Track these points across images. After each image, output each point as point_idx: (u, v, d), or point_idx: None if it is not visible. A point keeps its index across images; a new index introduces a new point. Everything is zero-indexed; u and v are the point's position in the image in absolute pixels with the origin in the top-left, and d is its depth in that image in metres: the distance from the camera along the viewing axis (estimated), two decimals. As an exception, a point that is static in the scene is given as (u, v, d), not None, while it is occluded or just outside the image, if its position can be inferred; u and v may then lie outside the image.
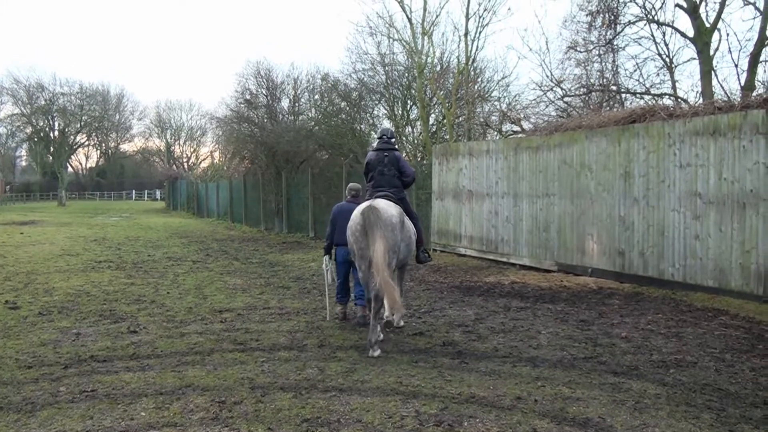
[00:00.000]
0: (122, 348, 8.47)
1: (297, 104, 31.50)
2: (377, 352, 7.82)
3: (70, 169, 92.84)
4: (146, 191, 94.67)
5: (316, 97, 31.26)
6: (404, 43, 25.76)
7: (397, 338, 8.71)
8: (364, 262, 8.42)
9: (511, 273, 14.69)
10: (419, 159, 25.70)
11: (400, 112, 28.18)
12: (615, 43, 21.58)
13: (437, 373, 7.03)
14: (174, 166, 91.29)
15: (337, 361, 7.56)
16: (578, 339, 8.58)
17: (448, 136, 24.83)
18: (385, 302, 8.11)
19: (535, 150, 15.19)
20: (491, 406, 6.02)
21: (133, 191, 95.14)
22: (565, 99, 22.86)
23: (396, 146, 9.66)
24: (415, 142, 27.50)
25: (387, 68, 27.54)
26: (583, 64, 22.30)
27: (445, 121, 25.32)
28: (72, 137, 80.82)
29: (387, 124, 27.47)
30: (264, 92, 31.13)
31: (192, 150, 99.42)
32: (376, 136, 10.33)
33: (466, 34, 24.06)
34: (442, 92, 25.39)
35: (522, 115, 22.96)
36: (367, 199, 8.80)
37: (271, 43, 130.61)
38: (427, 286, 13.06)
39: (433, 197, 18.97)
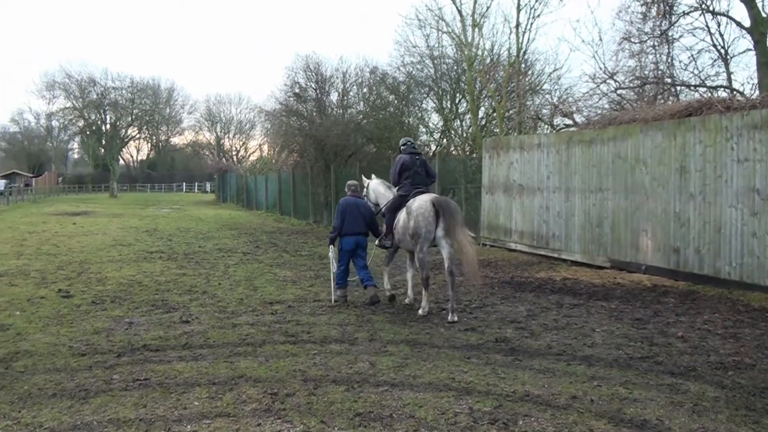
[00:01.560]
0: (175, 338, 8.57)
1: (345, 98, 31.55)
2: (455, 317, 9.38)
3: (121, 161, 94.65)
4: (196, 183, 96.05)
5: (365, 90, 31.28)
6: (454, 36, 25.58)
7: (448, 333, 8.62)
8: (427, 243, 9.83)
9: (563, 269, 14.47)
10: (468, 152, 25.50)
11: (448, 105, 28.02)
12: (669, 34, 21.10)
13: (490, 370, 6.93)
14: (223, 159, 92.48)
15: (389, 356, 7.51)
16: (633, 338, 8.38)
17: (498, 130, 24.60)
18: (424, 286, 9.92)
19: (588, 144, 14.92)
20: (546, 404, 5.91)
21: (184, 183, 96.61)
22: (619, 91, 22.44)
23: (420, 152, 11.23)
24: (464, 135, 27.32)
25: (436, 61, 27.39)
26: (637, 56, 21.84)
27: (494, 114, 25.08)
28: (123, 130, 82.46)
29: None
30: (313, 86, 31.25)
31: (241, 143, 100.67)
32: (400, 143, 11.25)
33: (517, 26, 23.81)
34: (492, 85, 25.13)
35: (574, 108, 22.58)
36: (402, 194, 10.47)
37: (320, 37, 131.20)
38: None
39: (483, 191, 18.80)
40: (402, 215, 10.34)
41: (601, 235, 14.42)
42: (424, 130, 29.65)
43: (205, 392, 6.34)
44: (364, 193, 11.94)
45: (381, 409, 5.81)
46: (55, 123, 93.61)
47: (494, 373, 6.81)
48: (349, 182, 11.78)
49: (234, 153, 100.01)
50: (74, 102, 79.02)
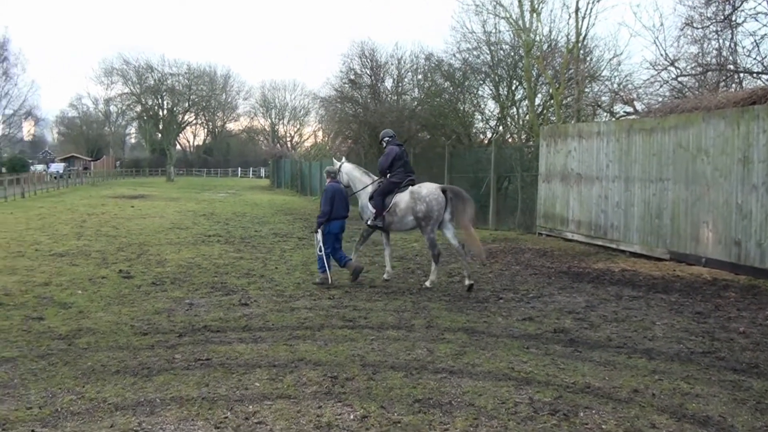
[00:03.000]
0: (234, 320, 8.70)
1: (400, 84, 31.49)
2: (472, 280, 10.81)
3: (178, 146, 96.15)
4: (251, 169, 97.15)
5: (419, 77, 31.14)
6: (511, 21, 25.23)
7: (506, 322, 8.56)
8: (436, 224, 11.20)
9: (621, 260, 14.22)
10: (524, 140, 25.20)
11: (505, 92, 27.69)
12: (733, 18, 20.42)
13: (550, 361, 6.86)
14: (278, 144, 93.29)
15: (446, 343, 7.49)
16: (694, 332, 8.20)
17: (555, 117, 24.25)
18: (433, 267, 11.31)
19: (649, 132, 14.58)
20: (607, 397, 5.83)
21: (239, 169, 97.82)
22: (680, 79, 21.85)
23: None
24: (521, 122, 26.99)
25: (492, 47, 27.07)
26: (699, 42, 21.17)
27: (552, 101, 24.72)
28: (180, 116, 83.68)
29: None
30: (368, 72, 31.27)
31: (295, 129, 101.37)
32: (386, 136, 12.07)
33: (576, 11, 23.34)
34: (550, 71, 24.76)
35: (634, 96, 22.09)
36: (395, 180, 11.42)
37: (375, 23, 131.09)
38: (533, 270, 12.81)
39: (540, 180, 18.58)
40: (404, 199, 11.30)
41: (661, 226, 14.11)
42: (479, 117, 29.38)
43: (266, 374, 6.42)
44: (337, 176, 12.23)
45: (440, 396, 5.79)
46: (113, 108, 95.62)
47: (554, 364, 6.74)
48: (329, 168, 12.23)
49: (288, 139, 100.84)
50: (132, 88, 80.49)
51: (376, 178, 11.98)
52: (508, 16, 25.23)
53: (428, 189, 11.26)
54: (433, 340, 7.65)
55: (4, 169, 70.90)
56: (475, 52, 27.69)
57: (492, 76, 27.66)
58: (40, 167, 79.90)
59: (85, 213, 27.12)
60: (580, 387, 6.07)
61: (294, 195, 46.00)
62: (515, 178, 20.69)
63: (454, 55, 28.26)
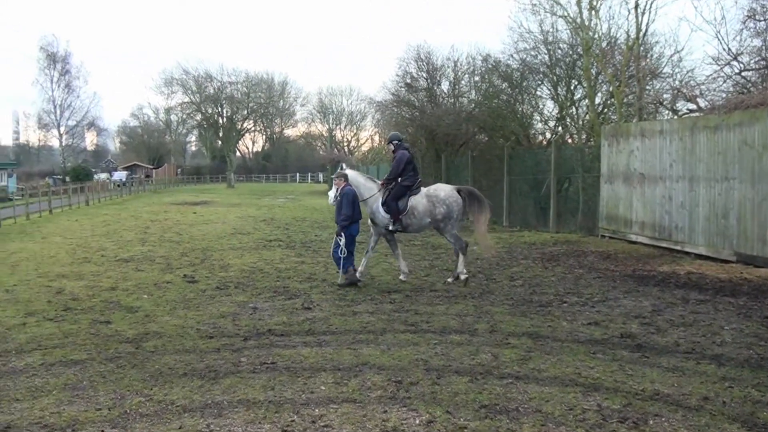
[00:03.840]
0: (298, 323, 8.77)
1: (457, 86, 31.29)
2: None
3: (237, 152, 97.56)
4: (309, 174, 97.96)
5: (477, 78, 30.88)
6: (569, 20, 24.85)
7: (571, 327, 8.42)
8: (456, 223, 11.95)
9: (686, 262, 13.85)
10: (585, 140, 24.81)
11: (563, 91, 27.29)
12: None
13: (617, 367, 6.72)
14: (335, 149, 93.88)
15: (511, 348, 7.41)
16: (764, 337, 7.93)
17: (616, 116, 23.79)
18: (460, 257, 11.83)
19: (713, 130, 14.17)
20: (677, 405, 5.68)
21: (297, 174, 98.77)
22: (744, 73, 21.18)
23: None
24: (581, 122, 26.56)
25: (550, 47, 26.71)
26: (762, 35, 20.49)
27: (613, 100, 24.26)
28: (239, 123, 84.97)
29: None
30: (424, 75, 31.16)
31: (352, 134, 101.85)
32: (395, 140, 12.35)
33: (636, 7, 22.85)
34: (610, 69, 24.31)
35: (697, 92, 21.51)
36: (407, 184, 11.72)
37: (431, 26, 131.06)
38: (597, 274, 12.57)
39: (602, 180, 18.24)
40: (421, 202, 11.77)
41: (727, 227, 13.68)
42: (538, 118, 29.01)
43: (331, 377, 6.45)
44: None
45: (507, 401, 5.73)
46: (173, 117, 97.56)
47: (621, 370, 6.61)
48: (341, 172, 12.18)
49: (345, 144, 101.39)
50: (192, 97, 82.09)
51: (379, 183, 12.21)
52: (565, 14, 24.86)
53: (446, 191, 11.93)
54: (498, 344, 7.57)
55: (68, 178, 72.98)
56: (532, 52, 27.35)
57: (550, 76, 27.29)
58: (103, 176, 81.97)
59: (149, 219, 27.71)
60: (649, 394, 5.93)
61: (352, 199, 46.09)
62: (576, 179, 20.37)
63: (512, 56, 27.98)
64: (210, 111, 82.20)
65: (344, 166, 12.83)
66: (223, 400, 5.93)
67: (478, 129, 29.01)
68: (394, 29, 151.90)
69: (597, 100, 25.29)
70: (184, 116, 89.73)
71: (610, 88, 24.11)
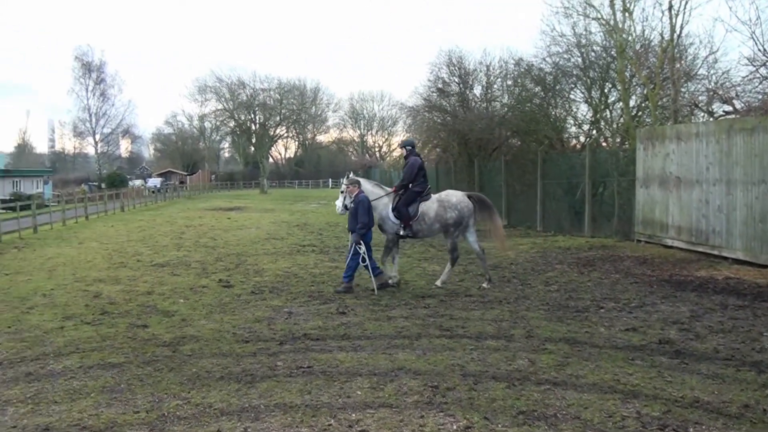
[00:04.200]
0: (333, 328, 8.79)
1: (489, 91, 31.16)
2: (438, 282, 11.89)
3: (270, 159, 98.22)
4: (341, 179, 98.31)
5: (509, 82, 30.72)
6: (602, 22, 24.62)
7: (608, 333, 8.32)
8: (464, 230, 12.01)
9: (724, 267, 13.60)
10: (619, 144, 24.54)
11: (597, 94, 27.04)
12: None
13: (656, 373, 6.63)
14: (367, 155, 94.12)
15: (548, 354, 7.35)
16: (805, 343, 7.76)
17: (651, 119, 23.51)
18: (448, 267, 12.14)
19: (750, 132, 13.91)
20: (717, 412, 5.60)
21: (329, 179, 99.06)
22: (779, 74, 20.78)
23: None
24: (615, 126, 26.27)
25: (583, 49, 26.48)
26: (799, 35, 20.10)
27: (647, 102, 23.97)
28: (272, 130, 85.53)
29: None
30: (456, 80, 31.09)
31: (384, 139, 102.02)
32: (408, 145, 12.56)
33: (669, 8, 22.57)
34: (644, 72, 24.04)
35: (733, 94, 21.17)
36: (418, 190, 11.80)
37: (463, 31, 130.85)
38: (634, 279, 12.41)
39: (637, 184, 18.03)
40: (432, 207, 11.86)
41: (765, 231, 13.40)
42: (571, 121, 28.76)
43: (367, 382, 6.45)
44: (344, 189, 12.21)
45: (545, 408, 5.67)
46: (207, 124, 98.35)
47: (660, 377, 6.51)
48: (354, 179, 12.16)
49: (377, 149, 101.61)
50: (225, 104, 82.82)
51: (388, 189, 12.32)
52: (598, 16, 24.64)
53: (457, 197, 12.07)
54: (534, 350, 7.51)
55: (103, 185, 74.06)
56: (565, 55, 27.13)
57: (584, 79, 27.05)
58: (138, 182, 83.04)
59: (184, 225, 28.00)
60: (689, 401, 5.84)
61: (384, 204, 46.11)
62: (611, 183, 20.15)
63: (545, 59, 27.78)
64: (243, 118, 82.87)
65: (351, 173, 12.79)
66: (260, 403, 5.96)
67: (511, 133, 28.86)
68: (425, 34, 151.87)
69: (631, 103, 25.03)
70: (218, 123, 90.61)
71: (645, 91, 23.84)
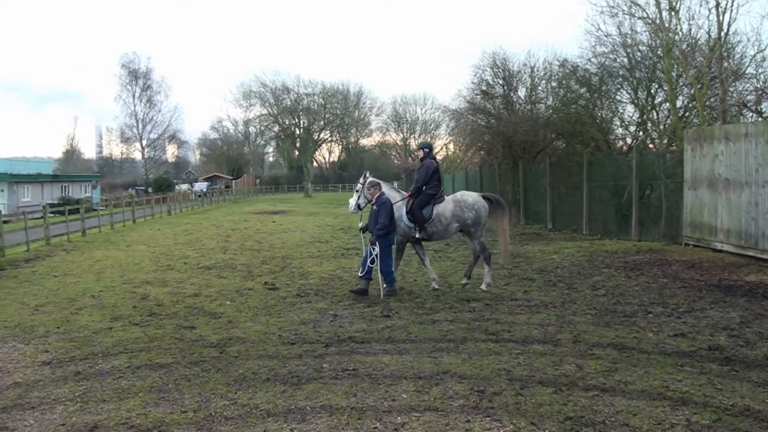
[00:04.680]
0: (378, 331, 8.81)
1: (534, 93, 30.87)
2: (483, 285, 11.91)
3: (314, 163, 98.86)
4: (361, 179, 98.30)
5: (554, 84, 30.40)
6: (648, 21, 24.25)
7: (657, 338, 8.17)
8: (484, 229, 12.19)
9: (776, 272, 13.29)
10: (667, 145, 24.13)
11: (644, 95, 26.62)
12: None
13: (706, 380, 6.49)
14: (410, 158, 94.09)
15: (596, 359, 7.25)
16: None
17: (698, 120, 23.07)
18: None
19: (802, 132, 13.56)
20: (768, 421, 5.45)
21: (394, 183, 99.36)
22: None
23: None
24: (662, 127, 25.84)
25: (629, 49, 26.10)
26: None
27: (695, 103, 23.53)
28: (316, 134, 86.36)
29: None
30: (500, 82, 30.85)
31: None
32: (426, 147, 12.62)
33: (716, 6, 22.13)
34: (691, 71, 23.61)
35: (783, 94, 20.65)
36: (432, 192, 11.89)
37: (507, 33, 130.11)
38: (682, 283, 12.18)
39: (685, 187, 17.69)
40: (447, 208, 11.97)
41: (817, 235, 13.05)
42: (618, 122, 28.33)
43: (412, 386, 6.44)
44: (359, 188, 12.28)
45: (592, 414, 5.60)
46: (252, 129, 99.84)
47: (710, 384, 6.38)
48: (375, 180, 12.09)
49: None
50: (269, 109, 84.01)
51: (404, 193, 12.42)
52: (644, 15, 24.28)
53: (473, 197, 12.24)
54: (582, 355, 7.42)
55: (150, 189, 75.36)
56: (611, 56, 26.77)
57: (630, 79, 26.66)
58: (184, 186, 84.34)
59: (229, 228, 28.33)
60: (739, 409, 5.72)
61: (427, 207, 46.04)
62: (658, 185, 19.82)
63: (590, 60, 27.43)
64: (287, 122, 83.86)
65: (368, 174, 12.73)
66: (306, 405, 6.01)
67: (556, 135, 28.58)
68: (468, 36, 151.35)
69: (679, 104, 24.59)
70: (262, 128, 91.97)
71: (692, 91, 23.41)
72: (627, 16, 25.05)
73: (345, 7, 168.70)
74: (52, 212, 26.64)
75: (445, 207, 12.01)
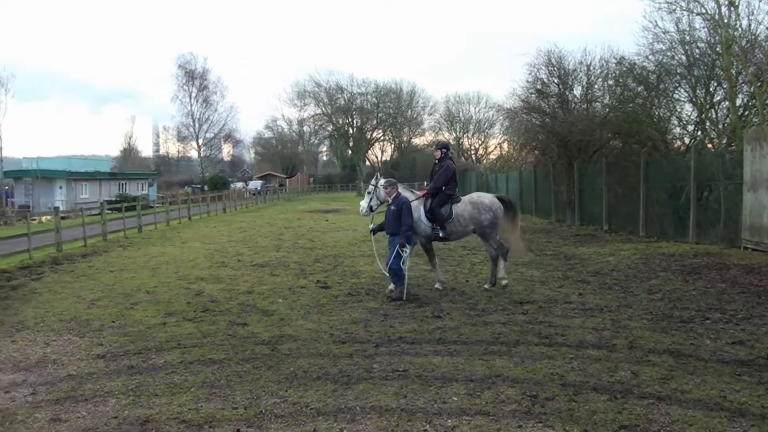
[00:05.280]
0: (428, 332, 8.76)
1: (590, 91, 30.38)
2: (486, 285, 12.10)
3: (367, 162, 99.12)
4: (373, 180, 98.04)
5: (610, 82, 29.86)
6: (707, 17, 23.64)
7: (714, 345, 7.94)
8: (499, 230, 12.24)
9: (840, 276, 12.80)
10: (726, 145, 23.50)
11: (702, 93, 25.97)
12: None
13: (765, 391, 6.27)
14: (463, 158, 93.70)
15: (651, 366, 7.07)
16: None
17: (758, 119, 22.41)
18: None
19: None
20: (833, 435, 5.25)
21: (425, 182, 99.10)
22: None
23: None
24: (721, 126, 25.17)
25: (687, 47, 25.48)
26: None
27: (754, 101, 22.85)
28: (369, 133, 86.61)
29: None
30: (555, 81, 30.46)
31: (480, 142, 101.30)
32: (444, 148, 12.62)
33: (778, 2, 21.45)
34: (751, 68, 22.93)
35: None
36: (450, 192, 11.98)
37: (561, 30, 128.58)
38: (741, 288, 11.81)
39: (744, 188, 17.17)
40: (466, 209, 12.04)
41: None
42: (675, 122, 27.67)
43: (463, 388, 6.39)
44: (371, 190, 12.23)
45: (647, 423, 5.47)
46: (306, 128, 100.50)
47: (770, 394, 6.15)
48: (392, 180, 11.95)
49: (473, 152, 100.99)
50: (323, 108, 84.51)
51: (418, 193, 12.43)
52: (703, 11, 23.68)
53: (489, 198, 12.37)
54: (637, 362, 7.24)
55: (206, 187, 76.55)
56: (669, 53, 26.19)
57: (688, 77, 26.03)
58: (239, 185, 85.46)
59: (283, 227, 28.59)
60: (802, 422, 5.50)
61: (479, 207, 45.75)
62: (717, 186, 19.30)
63: (647, 57, 26.85)
64: (341, 122, 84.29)
65: (378, 175, 12.62)
66: (356, 405, 6.01)
67: (612, 135, 28.08)
68: (523, 34, 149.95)
69: (738, 102, 23.95)
70: (316, 127, 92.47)
71: (752, 89, 22.77)
72: (685, 12, 24.48)
73: (399, 6, 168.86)
74: (109, 209, 27.25)
75: (464, 208, 12.07)
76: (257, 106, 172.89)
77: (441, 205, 11.89)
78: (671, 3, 24.34)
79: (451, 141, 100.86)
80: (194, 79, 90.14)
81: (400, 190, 11.78)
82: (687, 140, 26.59)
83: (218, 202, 44.21)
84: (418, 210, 11.87)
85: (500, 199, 12.52)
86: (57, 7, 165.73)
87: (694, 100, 25.83)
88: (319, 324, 9.36)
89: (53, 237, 19.79)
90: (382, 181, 12.11)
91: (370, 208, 12.21)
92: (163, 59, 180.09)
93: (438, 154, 12.49)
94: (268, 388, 6.56)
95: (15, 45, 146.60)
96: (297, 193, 79.16)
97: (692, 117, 26.51)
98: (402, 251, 11.02)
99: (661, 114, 27.04)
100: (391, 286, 11.49)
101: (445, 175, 11.95)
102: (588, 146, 27.78)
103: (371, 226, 12.37)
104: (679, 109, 27.17)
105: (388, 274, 11.40)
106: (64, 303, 11.51)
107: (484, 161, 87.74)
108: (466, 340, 8.30)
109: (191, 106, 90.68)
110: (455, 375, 6.81)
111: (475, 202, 12.19)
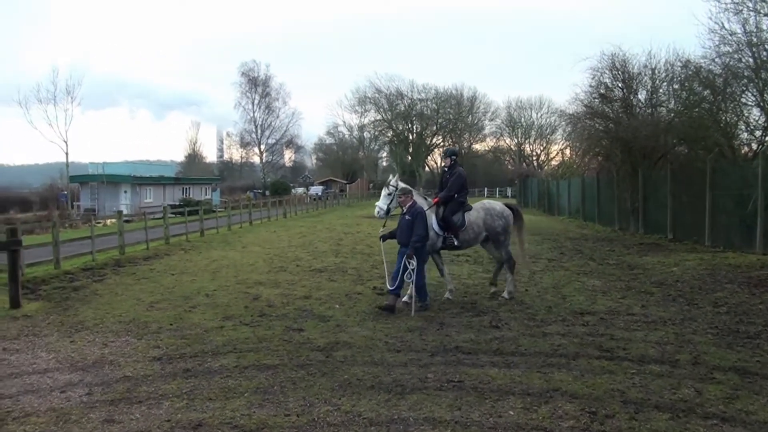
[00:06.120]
0: (485, 342, 8.61)
1: (655, 95, 29.68)
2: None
3: (426, 167, 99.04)
4: (497, 189, 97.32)
5: (676, 86, 29.12)
6: (775, 17, 22.81)
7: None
8: (510, 237, 12.25)
9: None
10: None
11: (771, 98, 25.07)
12: None
13: (836, 413, 5.92)
14: (524, 164, 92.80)
15: (716, 384, 6.78)
16: None
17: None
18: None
19: None
20: None
21: (485, 188, 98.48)
22: None
23: None
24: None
25: (755, 49, 24.65)
26: None
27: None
28: (428, 139, 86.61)
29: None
30: (619, 85, 29.85)
31: (542, 148, 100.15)
32: (454, 155, 12.60)
33: None
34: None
35: None
36: (462, 200, 11.88)
37: (626, 33, 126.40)
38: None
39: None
40: (479, 216, 11.97)
41: None
42: (743, 127, 26.77)
43: (520, 402, 6.23)
44: (391, 191, 11.90)
45: (711, 444, 5.22)
46: (366, 134, 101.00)
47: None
48: (407, 187, 11.70)
49: (534, 158, 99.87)
50: (383, 114, 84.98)
51: (429, 200, 12.10)
52: (771, 10, 22.87)
53: (500, 206, 12.39)
54: (701, 379, 6.96)
55: (268, 192, 77.55)
56: (735, 56, 25.37)
57: (755, 81, 25.18)
58: (300, 190, 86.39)
59: (342, 232, 28.67)
60: None
61: (541, 214, 45.26)
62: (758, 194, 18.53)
63: (713, 60, 26.06)
64: (400, 128, 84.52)
65: (396, 177, 12.29)
66: (410, 416, 5.91)
67: (677, 140, 27.38)
68: (587, 38, 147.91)
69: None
70: (376, 133, 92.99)
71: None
72: (752, 13, 23.67)
73: (459, 11, 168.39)
74: (172, 213, 27.74)
75: (477, 215, 12.00)
76: (319, 112, 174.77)
77: (454, 213, 11.74)
78: (738, 3, 23.60)
79: (512, 147, 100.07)
80: (257, 86, 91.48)
81: (415, 197, 11.52)
82: (755, 146, 25.74)
83: (279, 207, 44.62)
84: (430, 218, 11.55)
85: (509, 207, 12.53)
86: (125, 17, 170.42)
87: (762, 104, 24.96)
88: (374, 331, 9.30)
89: (116, 240, 20.23)
90: (398, 184, 11.94)
91: (387, 211, 11.91)
92: (227, 67, 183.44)
93: (447, 161, 12.43)
94: (321, 395, 6.52)
95: (83, 53, 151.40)
96: (357, 198, 79.49)
97: (760, 122, 25.61)
98: (408, 263, 10.68)
99: (728, 119, 26.25)
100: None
101: (457, 182, 11.82)
102: (653, 152, 27.13)
103: (382, 231, 12.07)
104: (746, 114, 26.30)
105: (390, 288, 10.92)
106: (124, 305, 11.72)
107: (546, 167, 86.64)
108: (524, 351, 8.12)
109: (254, 112, 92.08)
110: (512, 388, 6.66)
111: (487, 209, 12.17)
